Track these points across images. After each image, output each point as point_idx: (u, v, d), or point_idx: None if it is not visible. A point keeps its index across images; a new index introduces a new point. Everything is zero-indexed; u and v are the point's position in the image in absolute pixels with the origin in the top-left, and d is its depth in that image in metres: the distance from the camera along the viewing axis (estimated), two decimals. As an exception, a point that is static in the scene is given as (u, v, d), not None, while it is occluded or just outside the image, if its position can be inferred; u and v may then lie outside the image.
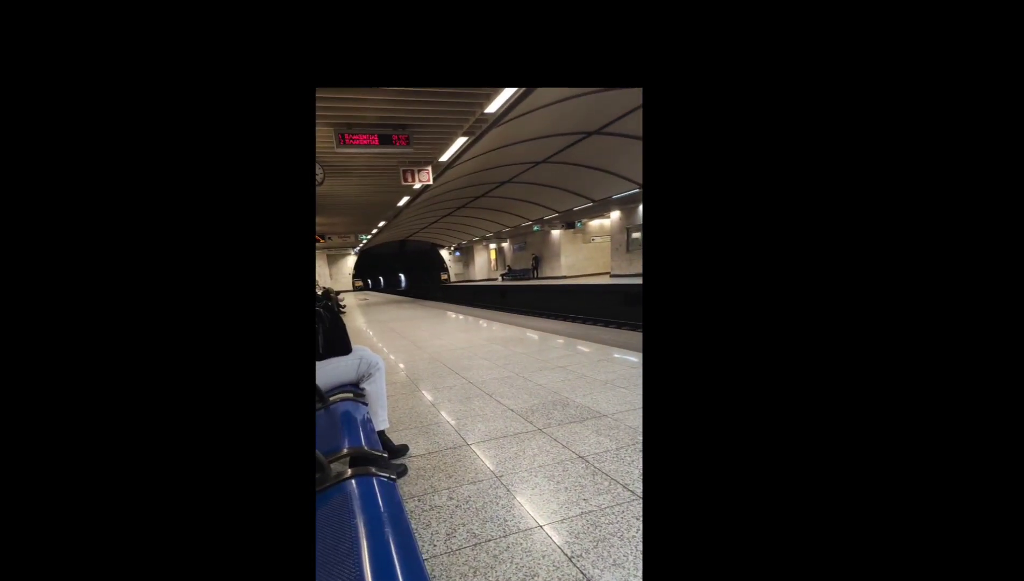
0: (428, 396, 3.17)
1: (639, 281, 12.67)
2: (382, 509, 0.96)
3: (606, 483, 1.74)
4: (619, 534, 1.41)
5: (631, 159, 11.80)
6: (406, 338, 6.20)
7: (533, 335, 5.53)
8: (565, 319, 10.88)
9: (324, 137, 5.90)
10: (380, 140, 5.94)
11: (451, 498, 1.72)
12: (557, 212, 19.18)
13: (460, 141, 6.96)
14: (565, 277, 21.57)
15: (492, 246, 31.44)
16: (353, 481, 1.05)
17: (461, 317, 8.69)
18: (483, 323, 7.26)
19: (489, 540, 1.44)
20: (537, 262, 24.61)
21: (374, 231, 20.50)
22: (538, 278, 23.67)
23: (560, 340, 4.99)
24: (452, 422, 2.58)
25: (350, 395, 1.89)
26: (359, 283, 35.05)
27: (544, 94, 7.68)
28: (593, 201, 16.42)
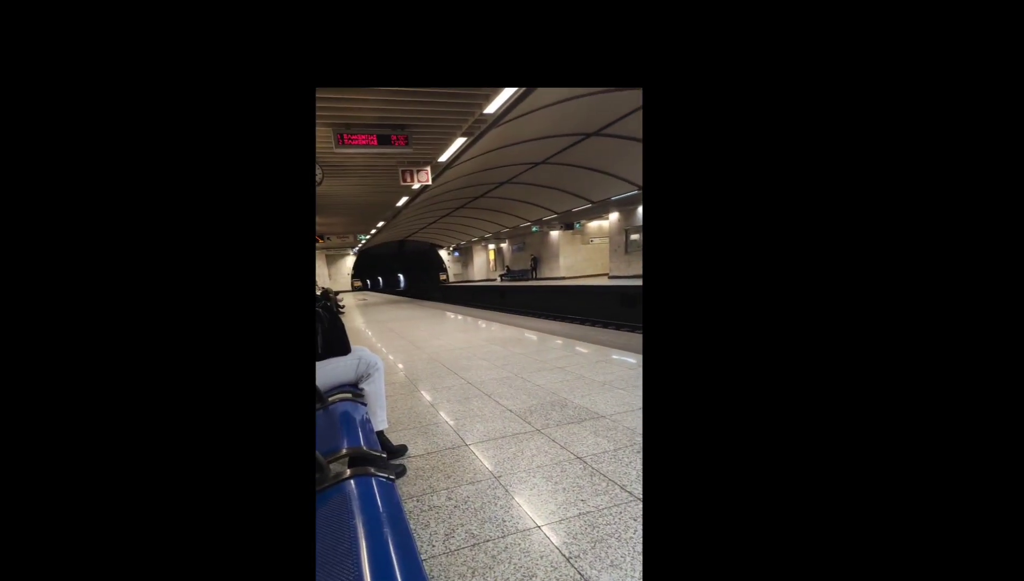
0: (427, 396, 3.16)
1: (637, 282, 12.68)
2: (381, 509, 0.96)
3: (604, 484, 1.74)
4: (617, 535, 1.41)
5: (630, 161, 11.81)
6: (405, 338, 6.20)
7: (532, 336, 5.53)
8: (564, 320, 10.88)
9: (323, 137, 5.89)
10: (379, 140, 5.94)
11: (450, 498, 1.72)
12: (556, 213, 19.18)
13: (459, 142, 6.96)
14: (564, 278, 21.58)
15: (491, 247, 31.44)
16: (352, 481, 1.05)
17: (460, 317, 8.68)
18: (482, 323, 7.26)
19: (487, 540, 1.44)
20: (536, 263, 24.62)
21: (373, 231, 20.49)
22: (537, 279, 23.67)
23: (559, 341, 4.99)
24: (451, 422, 2.58)
25: (349, 395, 1.88)
26: (358, 283, 35.02)
27: (543, 95, 7.69)
28: (592, 202, 16.43)
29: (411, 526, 1.07)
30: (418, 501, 1.71)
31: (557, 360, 4.00)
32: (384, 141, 5.96)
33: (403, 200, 12.42)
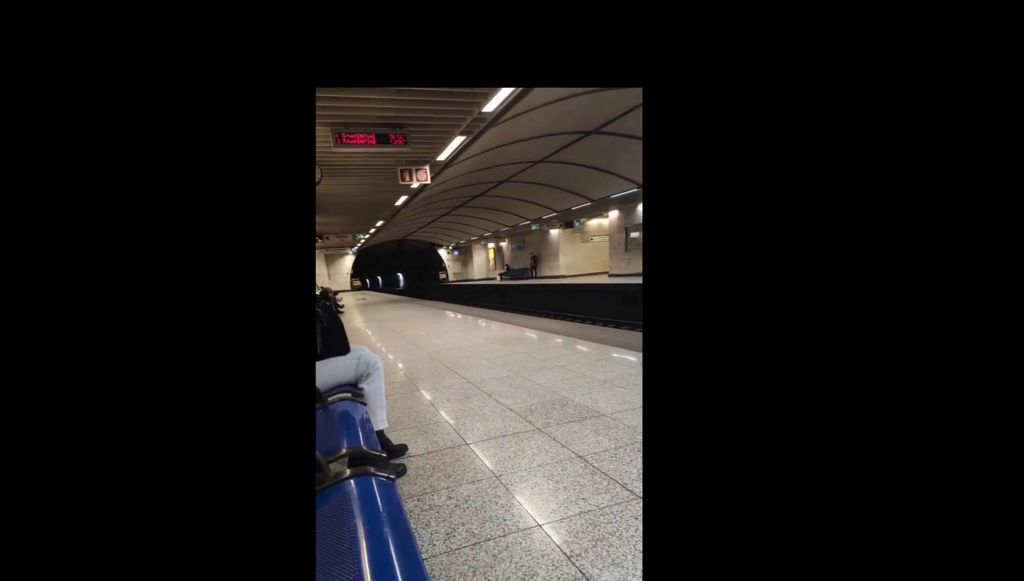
0: (427, 396, 3.16)
1: (637, 281, 12.69)
2: (381, 509, 0.96)
3: (605, 482, 1.74)
4: (618, 533, 1.42)
5: (630, 159, 11.80)
6: (405, 338, 6.20)
7: (532, 334, 5.53)
8: (564, 318, 10.88)
9: (321, 136, 5.89)
10: (377, 139, 5.93)
11: (450, 497, 1.72)
12: (555, 211, 19.17)
13: (458, 140, 6.96)
14: (563, 276, 21.59)
15: (490, 245, 31.44)
16: (352, 481, 1.05)
17: (460, 316, 8.69)
18: (482, 322, 7.26)
19: (488, 539, 1.44)
20: (536, 261, 24.62)
21: (372, 230, 20.48)
22: (536, 277, 23.67)
23: (559, 339, 5.00)
24: (451, 421, 2.58)
25: (348, 395, 1.88)
26: (357, 283, 35.02)
27: (542, 93, 7.68)
28: (591, 201, 16.42)
29: (412, 525, 1.07)
30: (419, 500, 1.71)
31: (557, 358, 4.00)
32: (383, 140, 5.96)
33: (402, 199, 12.42)
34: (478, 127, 6.60)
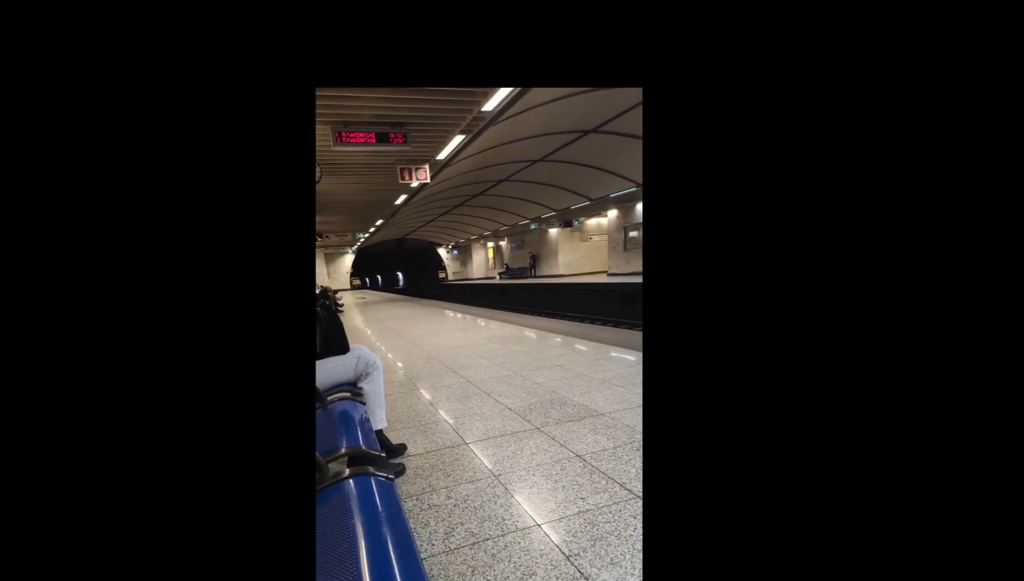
0: (426, 395, 3.16)
1: (636, 280, 12.69)
2: (380, 509, 0.96)
3: (603, 482, 1.74)
4: (616, 533, 1.42)
5: (629, 158, 11.80)
6: (404, 337, 6.20)
7: (531, 334, 5.53)
8: (563, 318, 10.88)
9: (321, 135, 5.88)
10: (377, 138, 5.93)
11: (449, 497, 1.72)
12: (555, 210, 19.17)
13: (457, 139, 6.95)
14: (563, 275, 21.59)
15: (490, 245, 31.43)
16: (351, 481, 1.05)
17: (459, 316, 8.69)
18: (481, 322, 7.26)
19: (487, 539, 1.44)
20: (535, 260, 24.62)
21: (371, 229, 20.47)
22: (536, 276, 23.67)
23: (558, 339, 5.00)
24: (450, 421, 2.58)
25: (348, 394, 1.88)
26: (357, 282, 35.00)
27: (541, 92, 7.67)
28: (590, 200, 16.43)
29: (410, 525, 1.07)
30: (417, 500, 1.71)
31: (556, 358, 4.00)
32: (382, 139, 5.95)
33: (401, 198, 12.41)
34: (477, 126, 6.59)
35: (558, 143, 11.66)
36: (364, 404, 1.94)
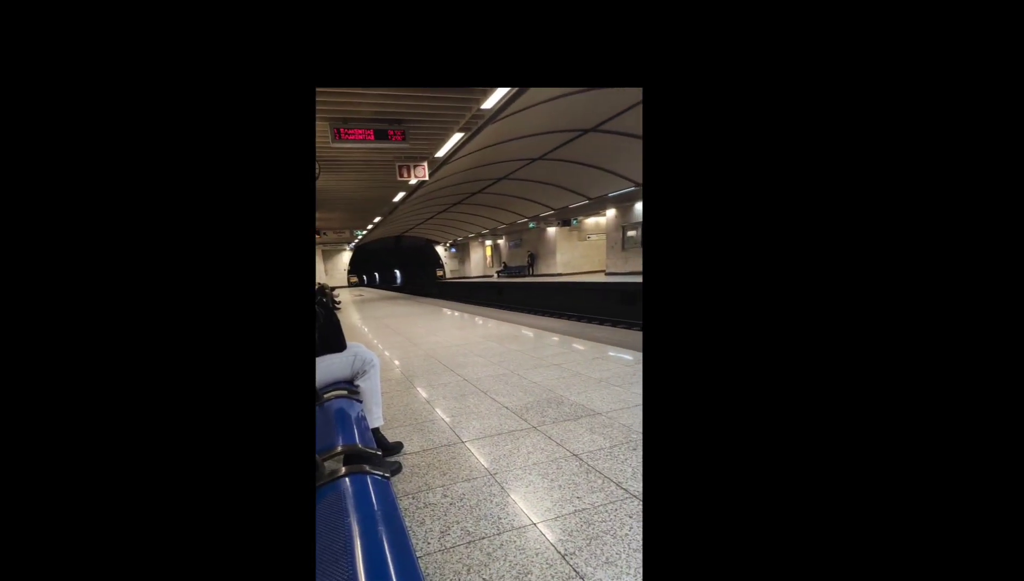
0: (423, 393, 3.16)
1: (634, 279, 12.71)
2: (376, 507, 0.96)
3: (599, 481, 1.75)
4: (612, 532, 1.42)
5: (628, 157, 11.80)
6: (401, 335, 6.19)
7: (528, 332, 5.54)
8: (560, 317, 10.89)
9: (320, 131, 5.86)
10: (376, 135, 5.91)
11: (445, 495, 1.72)
12: (553, 209, 19.16)
13: (456, 137, 6.94)
14: (560, 274, 21.59)
15: (488, 243, 31.41)
16: (347, 479, 1.05)
17: (457, 314, 8.68)
18: (479, 320, 7.26)
19: (483, 538, 1.44)
20: (533, 259, 24.61)
21: (369, 227, 20.43)
22: (534, 275, 23.68)
23: (555, 338, 5.00)
24: (447, 419, 2.58)
25: (344, 392, 1.88)
26: (354, 279, 34.94)
27: (541, 91, 7.66)
28: (589, 199, 16.42)
29: (406, 523, 1.07)
30: (413, 498, 1.71)
31: (554, 357, 4.00)
32: (381, 136, 5.94)
33: (400, 195, 12.39)
34: (476, 124, 6.58)
35: (557, 141, 11.65)
36: (360, 402, 1.94)
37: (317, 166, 7.47)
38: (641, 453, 0.76)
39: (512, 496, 1.69)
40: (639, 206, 15.45)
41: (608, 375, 3.25)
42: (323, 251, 28.04)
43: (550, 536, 1.42)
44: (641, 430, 0.75)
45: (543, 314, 11.67)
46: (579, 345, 4.48)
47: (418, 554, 1.36)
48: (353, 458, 1.20)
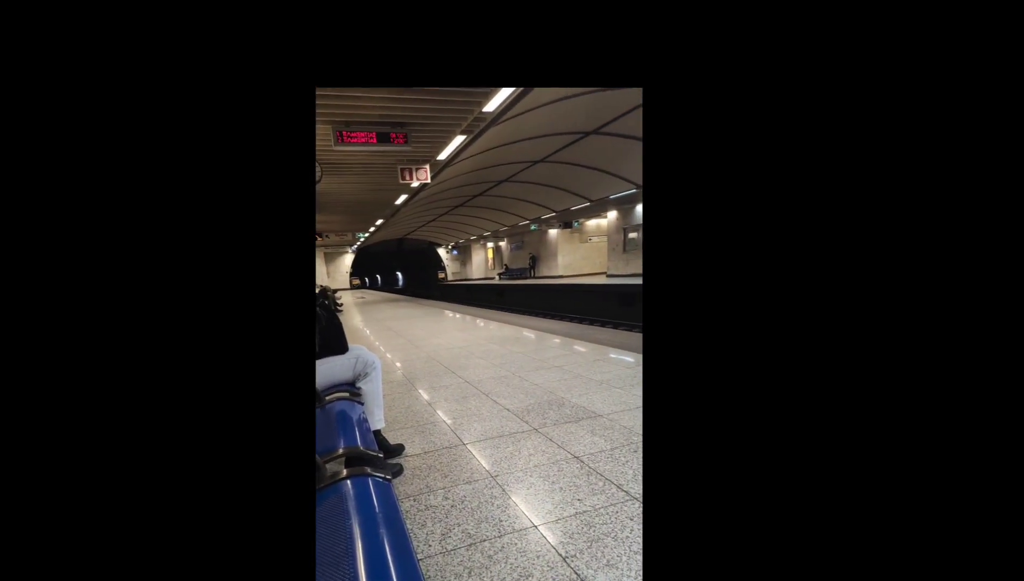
0: (424, 395, 3.16)
1: (635, 281, 12.69)
2: (377, 509, 0.96)
3: (601, 483, 1.74)
4: (613, 534, 1.42)
5: (629, 159, 11.81)
6: (403, 337, 6.19)
7: (530, 334, 5.53)
8: (562, 319, 10.88)
9: (322, 134, 5.88)
10: (378, 138, 5.92)
11: (446, 498, 1.71)
12: (554, 211, 19.17)
13: (458, 140, 6.95)
14: (562, 276, 21.59)
15: (489, 245, 31.42)
16: (348, 481, 1.05)
17: (458, 316, 8.68)
18: (480, 322, 7.26)
19: (484, 540, 1.44)
20: (534, 261, 24.62)
21: (371, 229, 20.46)
22: (535, 277, 23.67)
23: (557, 340, 5.00)
24: (448, 421, 2.58)
25: (346, 394, 1.88)
26: (356, 281, 34.98)
27: (542, 93, 7.68)
28: (590, 201, 16.43)
29: (407, 526, 1.07)
30: (415, 500, 1.71)
31: (555, 359, 4.00)
32: (383, 139, 5.95)
33: (402, 198, 12.41)
34: (478, 127, 6.59)
35: (559, 144, 11.66)
36: (362, 404, 1.94)
37: (319, 169, 7.49)
38: (642, 455, 0.76)
39: (513, 498, 1.68)
40: (640, 208, 15.44)
41: (609, 377, 3.24)
42: (325, 253, 28.09)
43: (551, 538, 1.42)
44: (642, 432, 0.74)
45: (544, 316, 11.66)
46: (580, 347, 4.48)
47: (419, 556, 1.36)
48: (355, 460, 1.19)
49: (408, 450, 2.19)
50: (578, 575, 1.25)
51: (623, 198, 15.39)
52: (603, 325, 9.92)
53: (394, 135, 5.98)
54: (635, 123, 9.72)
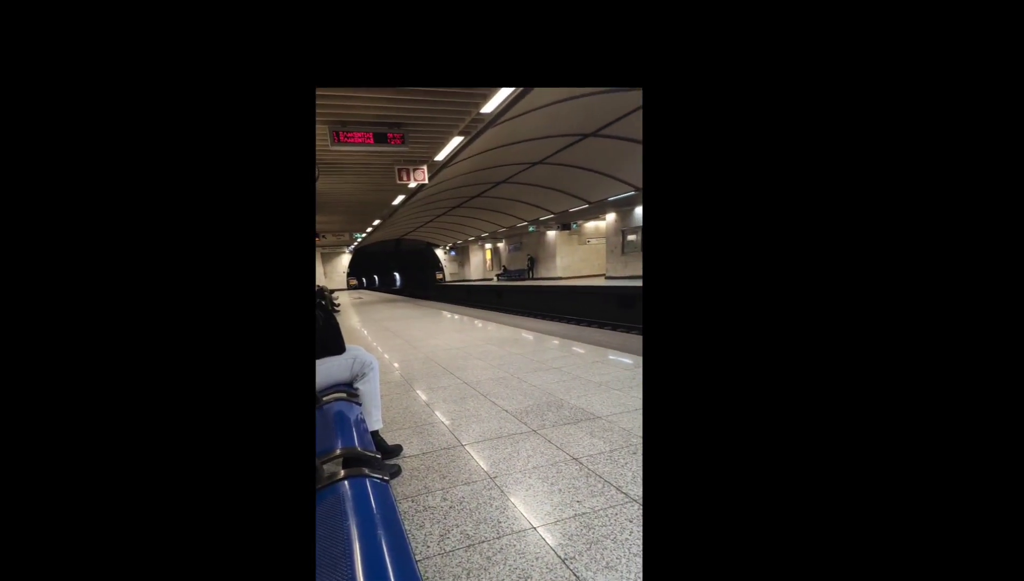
0: (422, 396, 3.15)
1: (634, 283, 12.71)
2: (375, 510, 0.95)
3: (599, 485, 1.74)
4: (612, 536, 1.41)
5: (628, 162, 11.82)
6: (400, 337, 6.18)
7: (528, 336, 5.53)
8: (560, 320, 10.89)
9: (319, 134, 5.86)
10: (375, 138, 5.91)
11: (445, 499, 1.71)
12: (553, 213, 19.18)
13: (456, 141, 6.94)
14: (560, 278, 21.60)
15: (488, 246, 31.42)
16: (346, 482, 1.05)
17: (456, 317, 8.67)
18: (478, 323, 7.25)
19: (483, 541, 1.43)
20: (533, 263, 24.62)
21: (369, 230, 20.44)
22: (534, 279, 23.68)
23: (555, 341, 4.99)
24: (446, 422, 2.57)
25: (343, 395, 1.87)
26: (354, 282, 34.94)
27: (541, 95, 7.68)
28: (589, 203, 16.44)
29: (405, 527, 1.07)
30: (413, 502, 1.70)
31: (553, 360, 4.00)
32: (380, 139, 5.94)
33: (399, 199, 12.39)
34: (476, 128, 6.59)
35: (557, 146, 11.67)
36: (360, 405, 1.93)
37: (316, 169, 7.48)
38: (641, 457, 0.76)
39: (512, 500, 1.68)
40: (639, 210, 15.47)
41: (608, 379, 3.24)
42: (322, 253, 28.02)
43: (550, 540, 1.42)
44: (641, 434, 0.74)
45: (543, 317, 11.67)
46: (579, 348, 4.48)
47: (417, 558, 1.35)
48: (352, 461, 1.19)
49: (406, 451, 2.18)
50: (577, 577, 1.25)
51: (622, 200, 15.40)
52: (601, 327, 9.93)
53: (391, 135, 5.97)
54: (634, 126, 9.73)
